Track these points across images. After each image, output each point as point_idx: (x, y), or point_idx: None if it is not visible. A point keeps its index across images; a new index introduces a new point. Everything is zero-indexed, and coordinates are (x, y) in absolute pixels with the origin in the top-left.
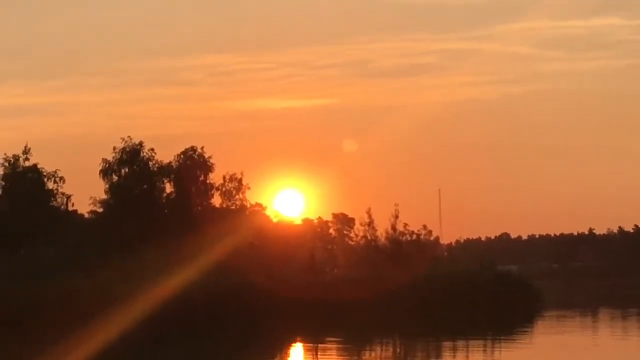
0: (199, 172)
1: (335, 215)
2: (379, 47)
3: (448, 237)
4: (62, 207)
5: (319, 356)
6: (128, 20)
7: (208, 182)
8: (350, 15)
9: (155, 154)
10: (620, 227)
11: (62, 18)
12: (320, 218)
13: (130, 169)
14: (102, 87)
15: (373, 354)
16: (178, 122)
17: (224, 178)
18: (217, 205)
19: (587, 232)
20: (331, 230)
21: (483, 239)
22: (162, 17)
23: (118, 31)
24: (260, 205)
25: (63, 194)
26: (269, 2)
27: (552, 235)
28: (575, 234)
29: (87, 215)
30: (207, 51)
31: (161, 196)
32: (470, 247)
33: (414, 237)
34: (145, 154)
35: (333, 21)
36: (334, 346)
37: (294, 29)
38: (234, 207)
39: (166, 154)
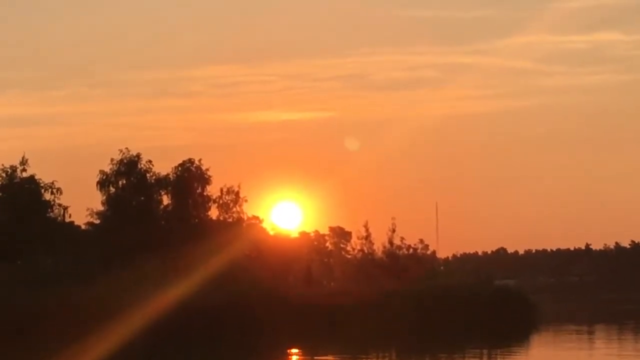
0: (196, 184)
1: (331, 229)
2: (379, 60)
3: (445, 251)
4: (59, 218)
5: None
6: (129, 31)
7: (205, 194)
8: (350, 28)
9: (153, 165)
10: (616, 243)
11: (64, 29)
12: (316, 231)
13: (127, 181)
14: (102, 98)
15: None
16: (178, 133)
17: (221, 190)
18: (214, 218)
19: (583, 247)
20: (328, 244)
21: (480, 253)
22: (164, 29)
23: (119, 42)
24: (257, 217)
25: (60, 205)
26: (269, 14)
27: (549, 250)
28: (572, 248)
29: (83, 227)
30: (207, 63)
31: (158, 208)
32: (467, 261)
33: (411, 250)
34: (142, 165)
35: (333, 34)
36: (330, 359)
37: (293, 42)
38: (230, 220)
39: (165, 165)
